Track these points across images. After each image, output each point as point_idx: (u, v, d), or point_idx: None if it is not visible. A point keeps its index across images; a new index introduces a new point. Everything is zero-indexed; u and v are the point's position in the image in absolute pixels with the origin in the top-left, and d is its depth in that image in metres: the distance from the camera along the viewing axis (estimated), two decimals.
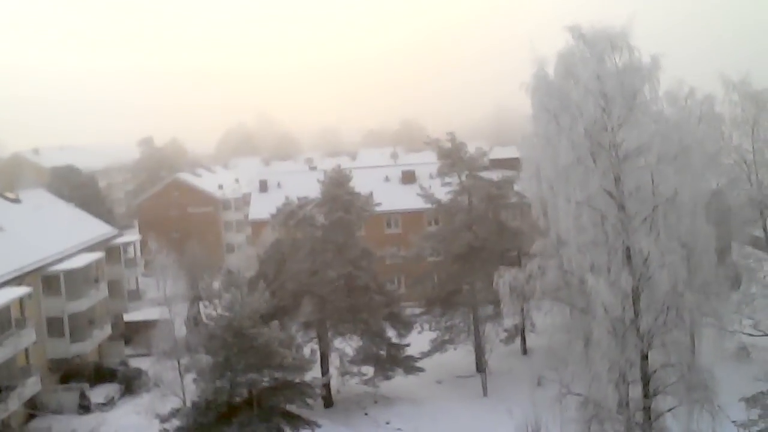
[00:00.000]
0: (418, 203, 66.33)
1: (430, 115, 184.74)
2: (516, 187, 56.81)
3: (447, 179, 58.70)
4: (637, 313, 29.10)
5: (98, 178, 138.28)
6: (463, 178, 57.88)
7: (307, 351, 46.50)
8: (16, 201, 65.56)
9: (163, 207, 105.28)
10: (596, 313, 29.24)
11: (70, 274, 56.34)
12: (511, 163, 67.64)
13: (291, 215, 47.35)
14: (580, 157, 28.35)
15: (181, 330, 63.09)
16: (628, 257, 28.80)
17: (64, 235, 63.07)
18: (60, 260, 57.62)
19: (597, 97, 28.02)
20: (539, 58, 30.07)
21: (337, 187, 48.84)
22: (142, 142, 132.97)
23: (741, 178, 53.11)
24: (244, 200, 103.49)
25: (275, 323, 37.44)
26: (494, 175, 60.63)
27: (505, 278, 32.69)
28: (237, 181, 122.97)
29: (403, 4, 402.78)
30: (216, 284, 43.75)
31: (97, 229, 69.95)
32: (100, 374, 57.52)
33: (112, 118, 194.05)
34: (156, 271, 62.34)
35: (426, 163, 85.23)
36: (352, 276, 48.06)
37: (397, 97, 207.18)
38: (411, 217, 76.60)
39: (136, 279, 72.69)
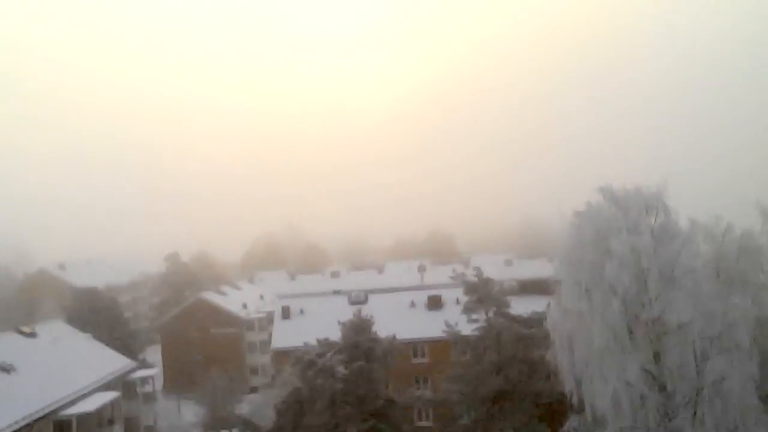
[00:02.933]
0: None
1: (457, 225, 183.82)
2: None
3: (474, 315, 56.45)
4: None
5: (124, 291, 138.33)
6: (491, 314, 55.59)
7: None
8: (32, 335, 64.07)
9: (186, 328, 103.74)
10: None
11: (83, 418, 54.16)
12: (541, 287, 65.47)
13: (310, 365, 45.08)
14: (616, 335, 26.20)
15: None
16: None
17: (79, 372, 61.19)
18: (74, 401, 55.57)
19: (632, 269, 26.04)
20: (567, 220, 28.36)
21: (358, 334, 46.72)
22: (168, 257, 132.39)
23: None
24: (269, 319, 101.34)
25: None
26: (523, 306, 58.47)
27: None
28: (262, 297, 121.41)
29: (431, 107, 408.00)
30: None
31: (114, 363, 68.00)
32: None
33: (140, 229, 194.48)
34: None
35: (451, 285, 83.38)
36: (375, 429, 45.38)
37: (425, 206, 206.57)
38: (438, 346, 73.70)
39: (154, 416, 70.14)
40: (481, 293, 55.82)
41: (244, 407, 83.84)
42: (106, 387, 61.29)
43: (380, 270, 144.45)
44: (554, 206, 29.54)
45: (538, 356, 56.97)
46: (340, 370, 44.88)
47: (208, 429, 79.74)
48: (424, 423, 71.75)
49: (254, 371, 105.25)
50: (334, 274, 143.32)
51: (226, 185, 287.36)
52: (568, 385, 28.97)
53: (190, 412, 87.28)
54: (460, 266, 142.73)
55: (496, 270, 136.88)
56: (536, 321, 55.57)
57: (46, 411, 52.48)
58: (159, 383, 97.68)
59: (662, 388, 26.50)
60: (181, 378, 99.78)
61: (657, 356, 26.59)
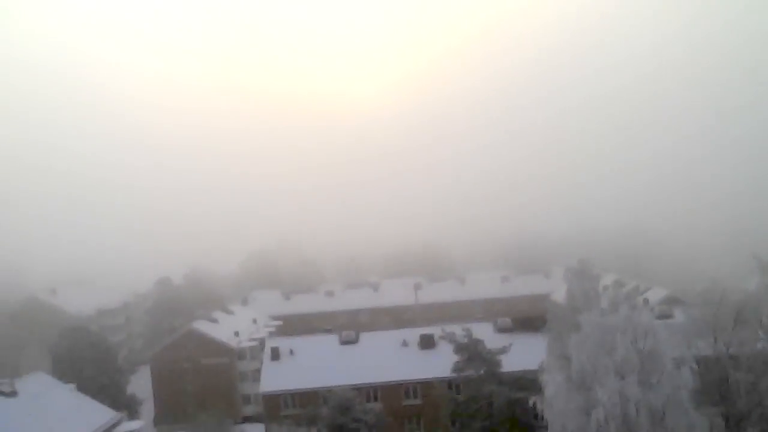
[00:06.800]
0: (438, 371, 63.36)
1: (453, 237, 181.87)
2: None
3: (464, 374, 55.15)
4: None
5: (117, 313, 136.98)
6: (482, 372, 54.22)
7: None
8: (12, 395, 62.29)
9: (176, 359, 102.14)
10: None
11: None
12: (535, 324, 63.54)
13: None
14: None
15: None
16: None
17: None
18: None
19: (619, 416, 24.38)
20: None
21: (343, 414, 45.13)
22: (159, 282, 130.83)
23: None
24: (261, 347, 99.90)
25: None
26: (516, 354, 57.13)
27: None
28: (255, 321, 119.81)
29: (426, 122, 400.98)
30: None
31: (98, 417, 66.14)
32: None
33: (131, 245, 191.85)
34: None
35: (444, 305, 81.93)
36: None
37: (421, 221, 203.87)
38: (431, 387, 72.36)
39: None
40: (471, 352, 54.50)
41: None
42: None
43: (375, 288, 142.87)
44: (551, 220, 28.00)
45: (532, 415, 55.71)
46: None
47: None
48: None
49: (246, 400, 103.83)
50: (329, 293, 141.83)
51: (216, 198, 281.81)
52: None
53: None
54: (455, 283, 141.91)
55: (492, 287, 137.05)
56: (529, 381, 54.16)
57: None
58: (150, 415, 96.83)
59: None
60: (172, 409, 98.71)
61: None
